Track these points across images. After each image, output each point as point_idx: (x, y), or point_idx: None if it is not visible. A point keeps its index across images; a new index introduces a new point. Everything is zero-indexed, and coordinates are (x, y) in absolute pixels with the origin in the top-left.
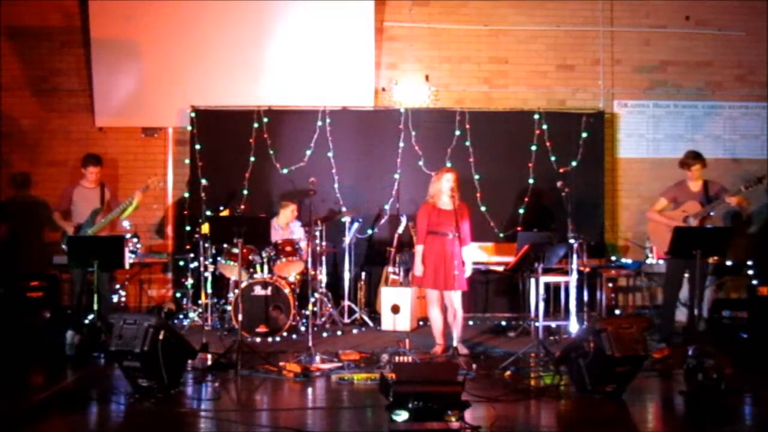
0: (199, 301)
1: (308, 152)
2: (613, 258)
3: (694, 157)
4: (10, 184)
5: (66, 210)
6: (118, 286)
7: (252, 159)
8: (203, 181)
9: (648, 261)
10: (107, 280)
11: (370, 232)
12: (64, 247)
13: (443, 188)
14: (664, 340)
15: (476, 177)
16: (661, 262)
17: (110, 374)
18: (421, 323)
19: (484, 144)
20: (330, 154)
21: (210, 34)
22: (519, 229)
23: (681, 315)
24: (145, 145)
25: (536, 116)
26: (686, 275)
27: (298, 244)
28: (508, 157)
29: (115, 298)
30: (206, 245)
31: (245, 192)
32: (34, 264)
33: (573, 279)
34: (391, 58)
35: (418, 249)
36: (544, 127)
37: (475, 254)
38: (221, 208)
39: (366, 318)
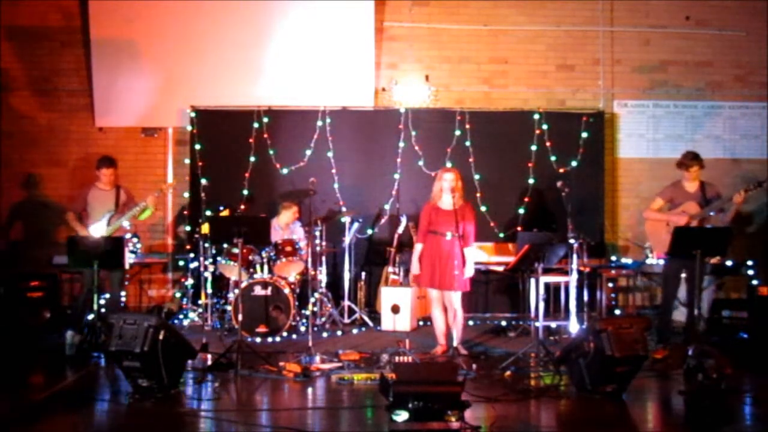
0: (199, 301)
1: (308, 152)
2: (613, 258)
3: (692, 158)
4: (21, 185)
5: (81, 212)
6: None
7: (252, 159)
8: (203, 181)
9: (648, 261)
10: (118, 279)
11: (370, 232)
12: None
13: (443, 188)
14: (662, 341)
15: (476, 177)
16: (661, 261)
17: (110, 374)
18: (421, 323)
19: (484, 144)
20: (330, 154)
21: (210, 34)
22: (519, 229)
23: (681, 315)
24: (145, 145)
25: (536, 116)
26: (683, 275)
27: (298, 244)
28: (508, 157)
29: None
30: (206, 245)
31: (245, 192)
32: (34, 264)
33: (573, 279)
34: (391, 58)
35: (417, 248)
36: (544, 127)
37: (476, 254)
38: (221, 208)
39: (366, 318)
